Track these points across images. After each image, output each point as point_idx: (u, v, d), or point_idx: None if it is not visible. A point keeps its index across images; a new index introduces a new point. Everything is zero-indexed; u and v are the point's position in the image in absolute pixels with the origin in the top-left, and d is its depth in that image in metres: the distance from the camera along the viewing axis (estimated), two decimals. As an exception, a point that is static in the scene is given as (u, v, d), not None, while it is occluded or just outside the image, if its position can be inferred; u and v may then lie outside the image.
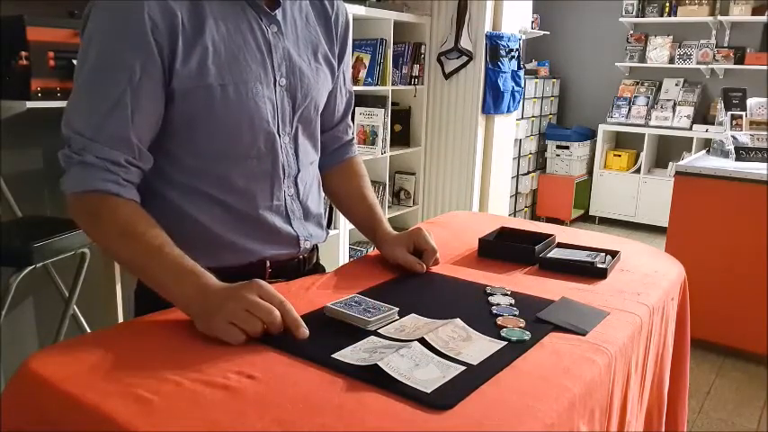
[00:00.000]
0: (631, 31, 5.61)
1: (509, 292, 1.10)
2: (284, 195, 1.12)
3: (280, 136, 1.09)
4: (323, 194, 1.29)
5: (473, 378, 0.79)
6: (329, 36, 1.18)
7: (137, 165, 0.98)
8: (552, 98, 5.83)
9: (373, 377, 0.78)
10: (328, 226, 3.44)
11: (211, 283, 0.90)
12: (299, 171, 1.14)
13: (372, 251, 1.32)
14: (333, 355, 0.83)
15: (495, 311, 1.02)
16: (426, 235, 1.22)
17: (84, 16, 0.97)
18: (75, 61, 0.97)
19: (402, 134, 3.92)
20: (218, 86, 0.99)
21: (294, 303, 0.91)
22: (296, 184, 1.14)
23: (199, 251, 0.95)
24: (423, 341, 0.86)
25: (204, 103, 0.99)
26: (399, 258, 1.20)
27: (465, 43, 3.69)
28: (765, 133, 3.31)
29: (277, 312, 0.87)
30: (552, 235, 1.41)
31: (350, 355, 0.84)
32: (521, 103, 4.77)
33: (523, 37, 4.31)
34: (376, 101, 3.52)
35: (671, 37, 5.44)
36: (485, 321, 0.98)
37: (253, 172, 1.07)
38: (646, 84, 5.62)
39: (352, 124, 1.37)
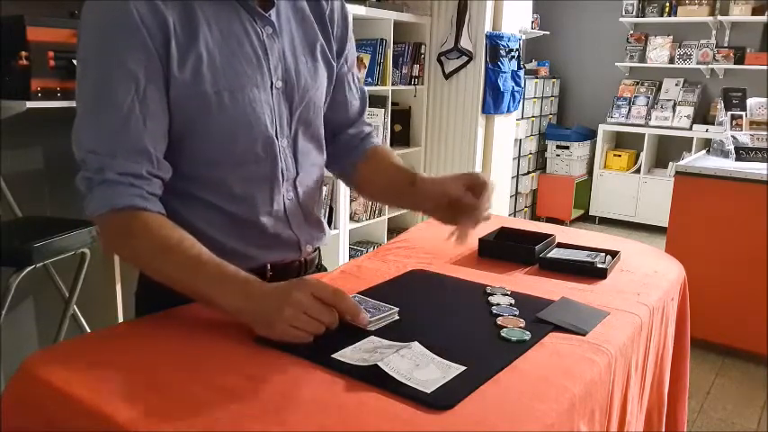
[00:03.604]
0: (631, 31, 5.61)
1: (509, 292, 1.10)
2: (283, 199, 1.10)
3: (278, 139, 1.07)
4: (323, 196, 1.27)
5: (473, 378, 0.79)
6: (326, 33, 1.16)
7: (157, 175, 0.96)
8: (552, 98, 5.84)
9: (373, 377, 0.78)
10: (328, 226, 3.44)
11: (257, 286, 0.89)
12: (297, 174, 1.12)
13: (373, 251, 1.32)
14: (333, 356, 0.83)
15: (495, 311, 1.02)
16: (486, 177, 1.09)
17: (80, 20, 0.94)
18: (75, 62, 0.95)
19: (402, 134, 3.92)
20: (214, 93, 0.97)
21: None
22: (295, 188, 1.12)
23: None
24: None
25: (200, 111, 0.97)
26: (452, 191, 1.07)
27: (465, 43, 3.69)
28: (765, 133, 3.31)
29: (334, 312, 0.87)
30: (552, 235, 1.41)
31: (350, 355, 0.84)
32: (521, 103, 4.77)
33: (523, 37, 4.31)
34: (376, 101, 3.53)
35: (671, 37, 5.44)
36: (485, 321, 0.98)
37: (252, 177, 1.06)
38: (646, 84, 5.62)
39: (368, 119, 1.33)
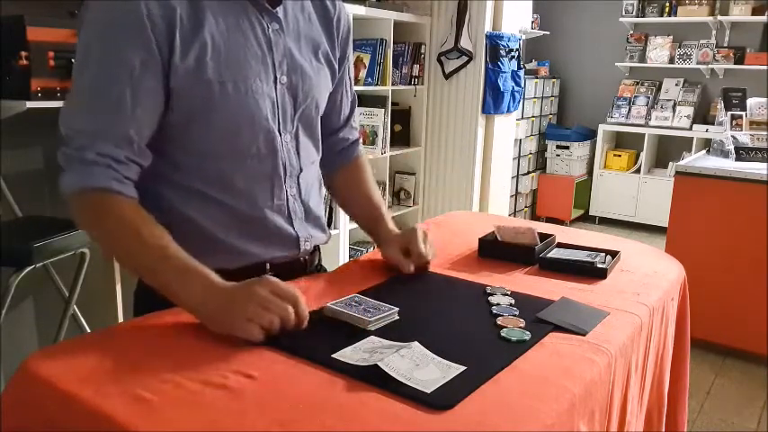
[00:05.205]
0: (631, 31, 5.61)
1: (509, 292, 1.10)
2: (286, 195, 1.11)
3: (281, 134, 1.08)
4: (323, 194, 1.28)
5: (473, 378, 0.79)
6: (330, 37, 1.17)
7: (136, 161, 0.97)
8: (552, 98, 5.83)
9: (373, 377, 0.78)
10: (328, 226, 3.44)
11: (219, 282, 0.90)
12: (301, 170, 1.13)
13: (373, 251, 1.32)
14: (333, 355, 0.83)
15: (495, 311, 1.02)
16: (418, 236, 1.20)
17: (80, 15, 0.96)
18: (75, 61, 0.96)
19: (402, 134, 3.92)
20: (217, 83, 0.98)
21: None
22: (298, 184, 1.13)
23: (199, 254, 0.94)
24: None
25: (202, 100, 0.99)
26: (390, 257, 1.21)
27: (465, 43, 3.69)
28: (765, 133, 3.31)
29: (291, 308, 0.87)
30: (552, 235, 1.41)
31: (350, 354, 0.84)
32: (521, 103, 4.77)
33: (523, 37, 4.31)
34: (376, 101, 3.53)
35: (671, 37, 5.44)
36: (485, 321, 0.98)
37: (253, 172, 1.07)
38: (646, 84, 5.62)
39: (356, 125, 1.36)
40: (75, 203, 0.96)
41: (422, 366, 0.81)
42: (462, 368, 0.81)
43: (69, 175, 0.95)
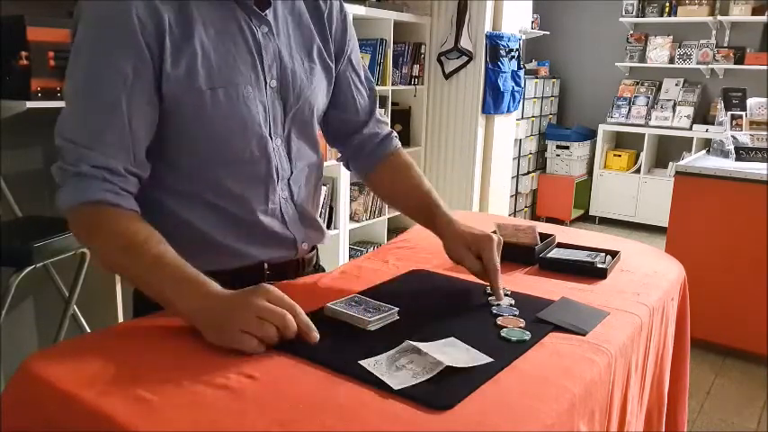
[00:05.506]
0: (631, 31, 5.61)
1: (509, 292, 1.10)
2: (278, 198, 1.11)
3: (272, 139, 1.07)
4: (321, 196, 1.28)
5: (473, 378, 0.79)
6: (323, 34, 1.16)
7: (134, 173, 0.95)
8: (552, 98, 5.84)
9: (374, 379, 0.78)
10: (328, 226, 3.44)
11: (215, 291, 0.87)
12: (291, 173, 1.13)
13: (373, 251, 1.32)
14: (360, 362, 0.82)
15: (495, 311, 1.02)
16: (494, 248, 1.09)
17: (73, 22, 0.95)
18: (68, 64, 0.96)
19: (402, 134, 3.92)
20: (208, 90, 0.97)
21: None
22: (289, 187, 1.13)
23: (197, 256, 0.93)
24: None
25: (194, 108, 0.98)
26: (467, 265, 1.11)
27: (465, 43, 3.69)
28: (765, 133, 3.31)
29: (290, 316, 0.84)
30: (552, 235, 1.41)
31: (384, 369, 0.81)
32: (521, 103, 4.77)
33: (523, 37, 4.31)
34: (376, 101, 3.53)
35: (671, 37, 5.44)
36: (485, 321, 0.98)
37: (247, 176, 1.06)
38: (646, 84, 5.62)
39: (384, 118, 1.31)
40: (72, 219, 0.94)
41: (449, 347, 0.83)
42: (489, 359, 0.84)
43: (65, 190, 0.92)
